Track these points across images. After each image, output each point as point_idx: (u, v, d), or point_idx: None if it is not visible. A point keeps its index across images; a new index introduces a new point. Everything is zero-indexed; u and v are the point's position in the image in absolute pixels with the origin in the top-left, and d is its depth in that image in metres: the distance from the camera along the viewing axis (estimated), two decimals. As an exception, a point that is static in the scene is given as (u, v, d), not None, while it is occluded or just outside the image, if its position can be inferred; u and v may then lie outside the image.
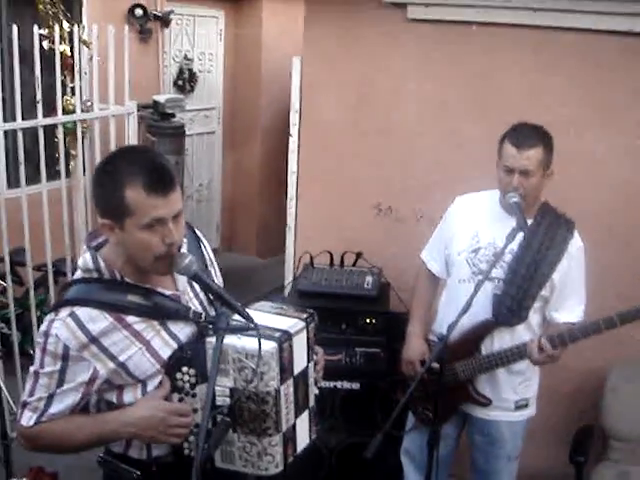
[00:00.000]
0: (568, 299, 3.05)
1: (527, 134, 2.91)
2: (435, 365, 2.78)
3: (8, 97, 5.18)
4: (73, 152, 5.51)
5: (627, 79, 3.58)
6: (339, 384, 3.73)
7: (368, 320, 3.73)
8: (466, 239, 3.11)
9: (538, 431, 3.37)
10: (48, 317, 2.06)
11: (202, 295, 2.25)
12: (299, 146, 4.36)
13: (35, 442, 2.11)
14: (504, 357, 3.01)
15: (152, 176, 1.96)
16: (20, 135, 4.61)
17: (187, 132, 7.33)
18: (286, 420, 2.08)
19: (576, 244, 3.03)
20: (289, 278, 4.33)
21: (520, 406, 3.16)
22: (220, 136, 8.20)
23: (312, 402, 2.25)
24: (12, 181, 5.30)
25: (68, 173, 5.10)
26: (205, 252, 2.36)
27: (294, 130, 4.36)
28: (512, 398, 3.14)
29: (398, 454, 3.46)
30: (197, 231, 2.38)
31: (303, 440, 2.19)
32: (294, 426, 2.13)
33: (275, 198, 4.70)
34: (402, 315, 3.61)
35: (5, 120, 4.75)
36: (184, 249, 2.12)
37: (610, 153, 3.67)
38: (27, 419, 2.06)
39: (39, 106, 4.66)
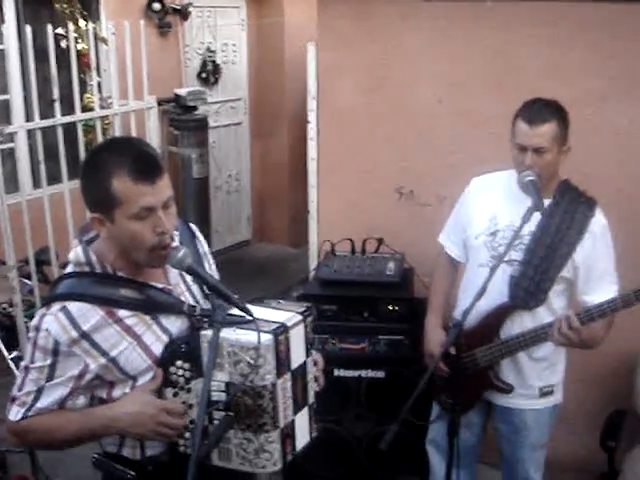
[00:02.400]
0: (598, 282, 2.89)
1: (539, 109, 2.80)
2: (452, 351, 2.72)
3: (29, 97, 5.21)
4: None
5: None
6: (363, 373, 3.67)
7: (391, 307, 3.66)
8: (483, 222, 3.01)
9: (570, 416, 3.29)
10: (39, 311, 2.04)
11: (195, 289, 2.21)
12: (318, 132, 4.30)
13: (23, 437, 2.10)
14: (523, 340, 2.90)
15: (137, 164, 1.92)
16: (39, 134, 4.62)
17: (214, 124, 7.33)
18: (284, 416, 2.02)
19: (599, 223, 2.89)
20: (313, 265, 4.28)
21: (545, 393, 3.07)
22: (247, 127, 8.16)
23: (312, 399, 2.18)
24: (36, 181, 5.33)
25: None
26: (199, 246, 2.32)
27: (312, 116, 4.31)
28: (536, 385, 3.04)
29: (424, 444, 3.40)
30: (192, 225, 2.34)
31: (303, 438, 2.13)
32: (293, 422, 2.07)
33: (304, 187, 4.66)
34: (426, 301, 3.52)
35: (27, 120, 4.79)
36: (176, 242, 2.08)
37: (633, 125, 3.54)
38: (14, 413, 2.05)
39: (56, 105, 4.67)
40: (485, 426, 3.29)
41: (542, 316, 2.92)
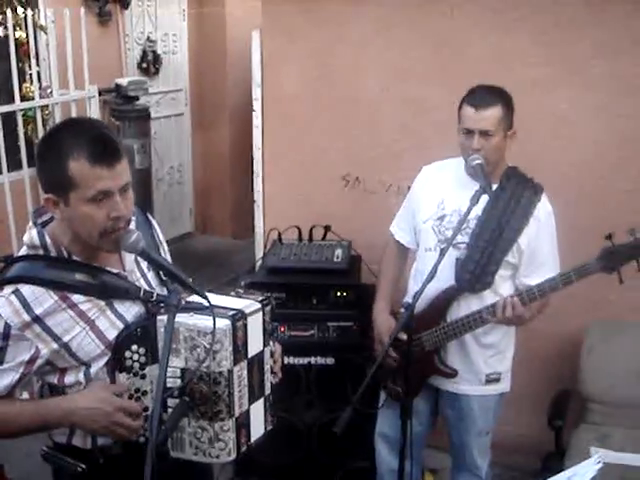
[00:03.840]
0: (540, 266, 2.94)
1: (484, 94, 2.84)
2: (403, 336, 2.73)
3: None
4: (36, 140, 5.40)
5: (591, 34, 3.51)
6: (313, 360, 3.67)
7: (339, 294, 3.65)
8: (432, 207, 3.04)
9: (516, 397, 3.32)
10: None
11: (150, 276, 2.17)
12: (263, 121, 4.28)
13: None
14: (467, 322, 2.93)
15: (96, 146, 1.88)
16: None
17: (154, 115, 7.23)
18: (239, 405, 2.01)
19: (545, 209, 2.95)
20: (259, 255, 4.26)
21: (491, 380, 3.10)
22: (188, 118, 8.07)
23: (268, 390, 2.17)
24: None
25: (30, 163, 4.99)
26: (155, 233, 2.29)
27: (257, 105, 4.28)
28: (483, 371, 3.08)
29: (373, 431, 3.42)
30: (148, 214, 2.30)
31: (258, 429, 2.12)
32: (248, 412, 2.06)
33: (247, 177, 4.65)
34: (374, 287, 3.54)
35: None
36: (132, 227, 2.04)
37: (577, 111, 3.60)
38: None
39: (-5, 94, 4.57)
40: (432, 414, 3.32)
41: (488, 300, 2.94)
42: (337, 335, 3.66)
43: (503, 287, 2.99)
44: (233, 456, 2.01)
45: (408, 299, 3.14)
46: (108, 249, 2.01)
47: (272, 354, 2.20)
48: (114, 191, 1.90)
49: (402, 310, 3.08)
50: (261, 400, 2.13)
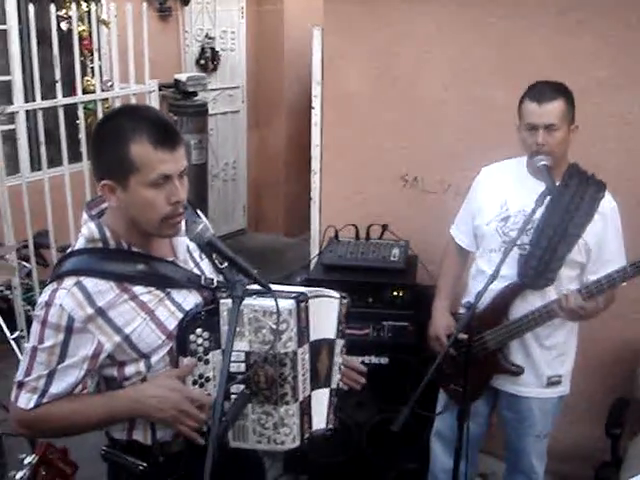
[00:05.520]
0: (607, 263, 2.88)
1: (546, 89, 2.81)
2: (463, 336, 2.71)
3: (28, 78, 5.18)
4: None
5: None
6: (367, 359, 3.64)
7: (395, 293, 3.63)
8: (494, 208, 3.01)
9: (572, 405, 3.27)
10: (49, 287, 1.94)
11: (203, 264, 2.15)
12: (322, 119, 4.27)
13: (36, 426, 1.99)
14: (532, 319, 2.90)
15: (159, 130, 1.87)
16: (40, 116, 4.59)
17: (211, 111, 7.28)
18: (303, 389, 1.99)
19: (609, 204, 2.90)
20: (314, 253, 4.25)
21: (552, 383, 3.06)
22: (245, 115, 8.12)
23: (335, 385, 2.14)
24: (35, 164, 5.30)
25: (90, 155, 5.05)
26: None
27: (316, 102, 4.27)
28: (545, 373, 3.04)
29: (428, 434, 3.39)
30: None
31: (319, 419, 2.09)
32: (309, 398, 2.03)
33: (301, 176, 4.64)
34: (430, 288, 3.51)
35: (26, 101, 4.75)
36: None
37: (643, 115, 3.53)
38: (26, 401, 1.93)
39: (58, 86, 4.63)
40: (489, 416, 3.29)
41: (551, 297, 2.91)
42: (392, 335, 3.63)
43: (570, 286, 2.92)
44: (297, 443, 2.00)
45: (469, 299, 3.11)
46: (166, 235, 2.00)
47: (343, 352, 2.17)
48: (174, 175, 1.89)
49: (462, 310, 3.07)
50: (325, 390, 2.11)
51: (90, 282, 1.92)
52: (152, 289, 1.99)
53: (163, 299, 2.01)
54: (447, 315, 3.17)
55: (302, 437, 2.01)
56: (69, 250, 2.03)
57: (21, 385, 1.94)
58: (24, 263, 4.79)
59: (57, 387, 1.92)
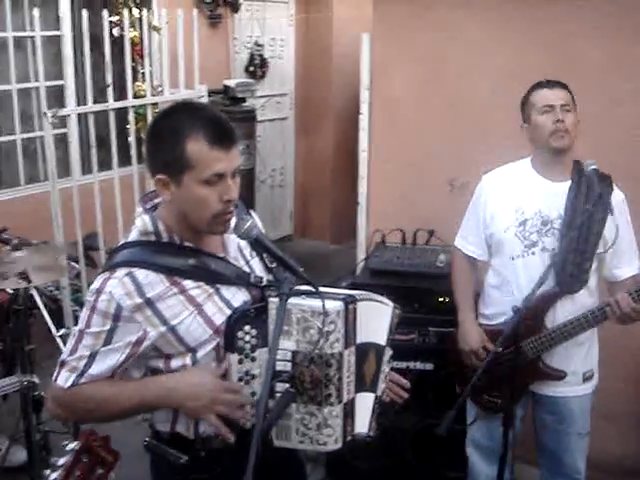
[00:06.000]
0: (624, 253, 2.96)
1: (550, 81, 2.94)
2: (497, 349, 2.79)
3: (80, 83, 5.26)
4: (145, 137, 5.53)
5: None
6: (412, 364, 3.63)
7: (441, 299, 3.61)
8: (509, 214, 3.01)
9: (620, 415, 3.22)
10: (101, 276, 1.97)
11: (253, 263, 2.16)
12: (369, 124, 4.27)
13: (70, 407, 2.00)
14: (577, 325, 2.88)
15: (215, 129, 1.89)
16: (92, 119, 4.66)
17: (259, 118, 7.32)
18: (347, 390, 1.98)
19: (618, 196, 2.94)
20: (361, 257, 4.25)
21: (587, 377, 3.06)
22: (292, 122, 8.17)
23: (380, 392, 2.13)
24: (85, 167, 5.39)
25: (140, 159, 5.13)
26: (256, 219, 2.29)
27: (364, 108, 4.27)
28: (580, 370, 3.04)
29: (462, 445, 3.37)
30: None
31: (362, 424, 2.07)
32: (353, 401, 2.02)
33: (348, 183, 4.65)
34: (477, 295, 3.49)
35: (78, 105, 4.83)
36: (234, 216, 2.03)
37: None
38: (64, 379, 1.95)
39: (110, 90, 4.70)
40: (522, 420, 3.24)
41: (582, 298, 2.93)
42: (437, 341, 3.61)
43: (591, 281, 2.97)
44: (339, 444, 1.98)
45: (488, 312, 3.14)
46: (216, 231, 2.01)
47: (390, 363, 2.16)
48: (227, 174, 1.91)
49: (483, 321, 3.13)
50: (371, 395, 2.09)
51: (141, 273, 1.94)
52: (201, 284, 2.01)
53: (212, 295, 2.02)
54: (477, 327, 3.15)
55: (344, 439, 1.99)
56: (122, 242, 2.06)
57: (63, 364, 1.98)
58: (73, 264, 4.85)
59: (97, 369, 1.95)
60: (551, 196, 2.93)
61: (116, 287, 1.92)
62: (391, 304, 2.12)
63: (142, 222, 2.02)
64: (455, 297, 3.29)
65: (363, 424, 2.08)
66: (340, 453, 2.09)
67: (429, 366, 3.64)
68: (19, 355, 3.59)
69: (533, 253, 2.95)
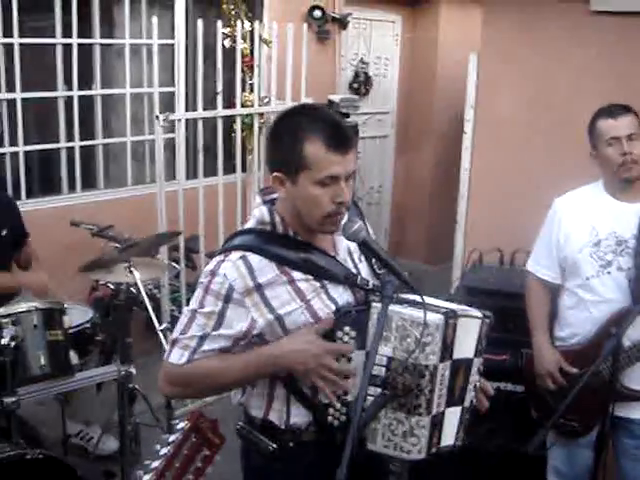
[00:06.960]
0: None
1: (614, 107, 2.95)
2: (574, 370, 2.87)
3: (191, 91, 5.42)
4: (249, 146, 5.66)
5: None
6: (502, 385, 3.59)
7: (537, 321, 3.56)
8: (583, 235, 3.02)
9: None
10: (217, 258, 2.07)
11: (362, 267, 2.20)
12: (473, 143, 4.27)
13: (186, 381, 2.09)
14: None
15: (333, 133, 1.96)
16: (200, 125, 4.80)
17: (360, 135, 7.36)
18: (437, 404, 1.98)
19: None
20: (456, 276, 4.24)
21: None
22: (393, 140, 8.19)
23: (468, 403, 2.13)
24: (190, 172, 5.53)
25: (243, 168, 5.24)
26: (367, 225, 2.32)
27: (468, 127, 4.29)
28: None
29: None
30: (360, 207, 2.35)
31: (449, 437, 2.07)
32: (443, 414, 2.02)
33: (446, 204, 4.64)
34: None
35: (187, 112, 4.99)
36: (345, 218, 2.09)
37: None
38: (178, 356, 2.05)
39: (219, 98, 4.83)
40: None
41: None
42: (530, 363, 3.55)
43: None
44: (423, 454, 1.98)
45: (564, 334, 3.13)
46: (326, 231, 2.08)
47: (479, 371, 2.16)
48: (342, 177, 1.98)
49: (558, 343, 3.13)
50: (458, 408, 2.10)
51: (255, 258, 2.03)
52: (310, 277, 2.07)
53: (320, 292, 2.08)
54: (553, 350, 3.13)
55: (429, 450, 1.99)
56: (239, 229, 2.17)
57: (175, 342, 2.08)
58: (174, 264, 4.99)
59: (207, 347, 2.04)
60: (624, 217, 2.94)
61: (230, 269, 2.01)
62: (480, 315, 2.12)
63: (260, 212, 2.12)
64: (530, 320, 3.28)
65: (450, 437, 2.09)
66: (421, 469, 2.08)
67: (520, 388, 3.58)
68: (119, 346, 3.71)
69: (609, 272, 2.94)
